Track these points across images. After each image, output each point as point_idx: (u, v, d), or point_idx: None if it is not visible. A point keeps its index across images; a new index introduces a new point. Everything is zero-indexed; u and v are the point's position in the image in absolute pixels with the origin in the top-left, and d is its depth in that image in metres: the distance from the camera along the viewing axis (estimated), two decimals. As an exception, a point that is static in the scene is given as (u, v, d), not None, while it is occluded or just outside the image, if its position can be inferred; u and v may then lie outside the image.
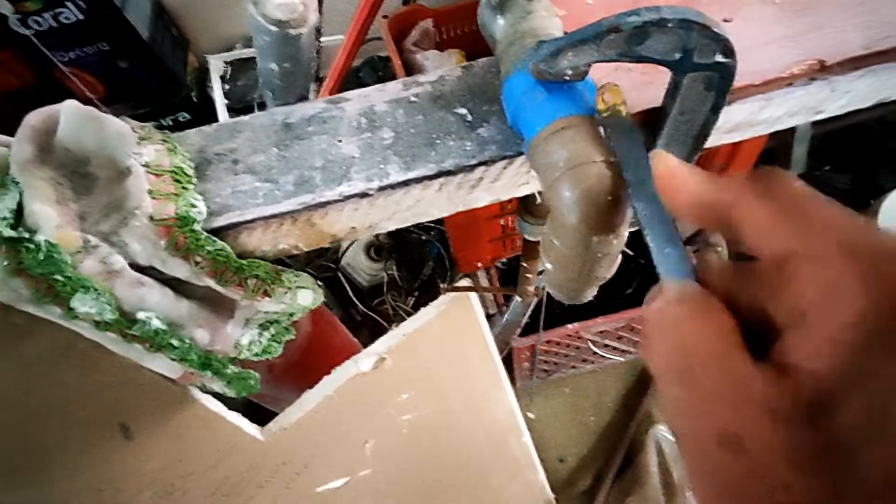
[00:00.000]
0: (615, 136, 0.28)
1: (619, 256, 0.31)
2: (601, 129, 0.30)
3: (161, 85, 1.39)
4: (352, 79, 1.44)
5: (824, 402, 0.16)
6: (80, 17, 1.17)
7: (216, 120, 1.40)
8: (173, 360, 0.35)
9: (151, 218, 0.32)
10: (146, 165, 0.33)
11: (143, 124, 0.35)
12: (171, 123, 1.47)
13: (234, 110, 1.38)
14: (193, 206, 0.33)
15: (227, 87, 1.44)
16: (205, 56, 1.49)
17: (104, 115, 0.33)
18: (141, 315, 0.32)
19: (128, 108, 1.37)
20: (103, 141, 0.33)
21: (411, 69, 1.09)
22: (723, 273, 0.21)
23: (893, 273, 0.16)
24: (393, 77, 1.12)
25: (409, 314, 1.41)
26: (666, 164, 0.23)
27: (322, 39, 0.99)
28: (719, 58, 0.29)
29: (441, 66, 1.06)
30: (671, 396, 0.19)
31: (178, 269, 0.33)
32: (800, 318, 0.17)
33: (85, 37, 1.23)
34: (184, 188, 0.34)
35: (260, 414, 0.63)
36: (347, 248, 1.41)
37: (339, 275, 1.44)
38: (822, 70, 0.34)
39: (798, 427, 0.16)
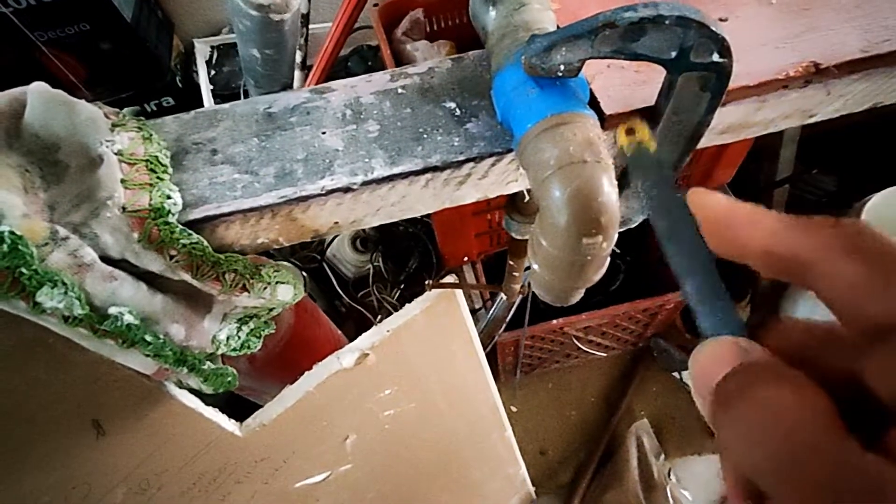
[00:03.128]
0: (642, 177, 0.25)
1: (608, 259, 0.30)
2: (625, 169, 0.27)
3: (145, 68, 1.35)
4: (340, 68, 1.42)
5: None
6: (60, -6, 1.13)
7: (201, 106, 1.37)
8: (147, 356, 0.34)
9: (124, 209, 0.31)
10: (119, 153, 0.32)
11: (116, 110, 0.33)
12: (154, 108, 1.44)
13: (219, 96, 1.35)
14: (168, 197, 0.31)
15: (212, 72, 1.41)
16: (190, 40, 1.46)
17: (75, 99, 0.31)
18: (113, 310, 0.31)
19: (110, 91, 1.33)
20: (74, 127, 0.31)
21: (401, 59, 1.07)
22: (792, 333, 0.18)
23: None
24: (382, 67, 1.11)
25: (395, 307, 1.40)
26: (714, 204, 0.20)
27: (311, 27, 0.97)
28: (716, 58, 0.28)
29: (431, 58, 1.04)
30: (765, 484, 0.15)
31: (152, 262, 0.32)
32: None
33: (65, 16, 1.19)
34: (159, 178, 0.32)
35: (243, 405, 0.62)
36: (333, 239, 1.40)
37: (325, 266, 1.42)
38: (817, 73, 0.33)
39: None
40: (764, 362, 0.17)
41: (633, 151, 0.26)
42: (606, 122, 0.33)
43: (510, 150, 0.33)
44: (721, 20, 0.36)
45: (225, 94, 1.36)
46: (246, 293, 0.37)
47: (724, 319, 0.19)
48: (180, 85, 1.44)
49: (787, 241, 0.18)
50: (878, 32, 0.34)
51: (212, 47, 1.44)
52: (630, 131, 0.27)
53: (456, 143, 0.34)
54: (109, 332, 0.32)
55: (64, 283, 0.29)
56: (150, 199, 0.31)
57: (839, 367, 0.17)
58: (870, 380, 0.16)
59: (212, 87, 1.38)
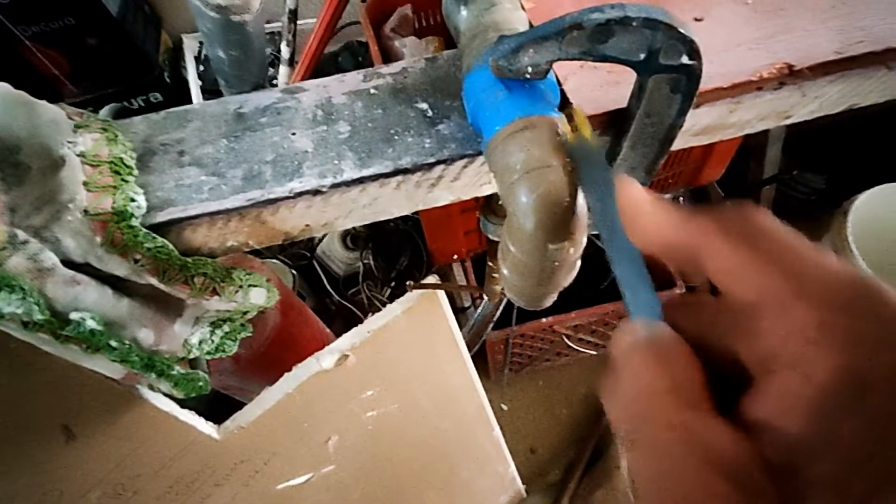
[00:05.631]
0: (581, 165, 0.26)
1: (578, 263, 0.30)
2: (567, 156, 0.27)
3: (131, 64, 1.34)
4: (330, 64, 1.41)
5: (790, 467, 0.15)
6: (45, -12, 1.12)
7: (190, 101, 1.35)
8: (114, 361, 0.34)
9: (86, 212, 0.30)
10: (82, 155, 0.31)
11: (80, 110, 0.33)
12: (142, 104, 1.42)
13: (208, 91, 1.34)
14: (132, 200, 0.31)
15: (201, 67, 1.39)
16: (178, 35, 1.45)
17: (36, 99, 0.31)
18: (74, 315, 0.30)
19: (96, 86, 1.32)
20: (35, 128, 0.30)
21: (389, 56, 1.07)
22: (692, 311, 0.20)
23: (866, 325, 0.15)
24: (371, 63, 1.10)
25: (385, 304, 1.39)
26: (630, 197, 0.22)
27: (300, 22, 0.96)
28: (685, 60, 0.27)
29: (419, 54, 1.03)
30: (628, 454, 0.17)
31: (117, 266, 0.31)
32: (767, 370, 0.17)
33: (50, 11, 1.18)
34: (123, 180, 0.32)
35: (229, 403, 0.62)
36: (323, 237, 1.39)
37: (314, 263, 1.42)
38: (790, 74, 0.33)
39: (761, 497, 0.15)
40: (658, 335, 0.19)
41: (575, 141, 0.27)
42: (578, 124, 0.32)
43: (481, 153, 0.33)
44: (696, 20, 0.36)
45: (214, 89, 1.35)
46: (217, 297, 0.36)
47: (645, 303, 0.21)
48: (168, 80, 1.43)
49: (677, 230, 0.20)
50: (852, 33, 0.34)
51: (200, 42, 1.42)
52: (570, 119, 0.27)
53: (427, 145, 0.33)
54: (72, 338, 0.31)
55: (22, 289, 0.28)
56: (114, 202, 0.31)
57: (723, 340, 0.19)
58: (739, 350, 0.18)
59: (200, 82, 1.36)
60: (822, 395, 0.15)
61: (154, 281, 0.33)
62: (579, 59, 0.27)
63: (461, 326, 0.71)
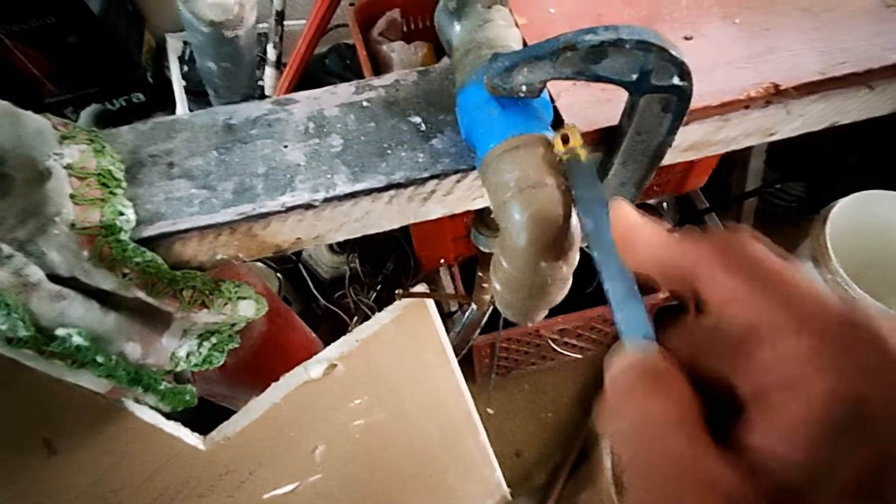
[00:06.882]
0: (574, 181, 0.26)
1: (570, 280, 0.30)
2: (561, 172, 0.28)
3: (113, 63, 1.31)
4: (318, 66, 1.40)
5: (788, 494, 0.15)
6: (24, -13, 1.09)
7: (173, 102, 1.34)
8: (99, 376, 0.33)
9: (73, 226, 0.30)
10: (69, 167, 0.31)
11: (66, 121, 0.32)
12: (124, 104, 1.40)
13: (192, 93, 1.32)
14: (121, 213, 0.30)
15: (185, 68, 1.37)
16: (162, 34, 1.42)
17: (20, 110, 0.30)
18: (60, 331, 0.30)
19: (77, 86, 1.30)
20: (19, 138, 0.30)
21: (377, 60, 1.06)
22: (685, 334, 0.20)
23: (860, 354, 0.16)
24: (360, 67, 1.10)
25: (371, 308, 1.39)
26: (624, 219, 0.22)
27: (287, 23, 0.96)
28: (676, 80, 0.28)
29: (408, 59, 1.03)
30: (626, 477, 0.17)
31: (104, 280, 0.31)
32: (763, 397, 0.17)
33: (30, 9, 1.15)
34: (111, 193, 0.31)
35: (216, 410, 0.61)
36: (308, 240, 1.38)
37: (301, 267, 1.41)
38: (777, 94, 0.34)
39: None
40: (650, 360, 0.19)
41: (568, 157, 0.27)
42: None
43: (475, 168, 0.33)
44: (686, 38, 0.36)
45: (198, 91, 1.33)
46: (205, 309, 0.36)
47: (636, 323, 0.21)
48: (151, 80, 1.41)
49: (672, 253, 0.20)
50: (834, 55, 0.35)
51: (185, 42, 1.40)
52: (565, 138, 0.27)
53: (420, 160, 0.33)
54: (57, 353, 0.30)
55: (7, 304, 0.28)
56: (102, 216, 0.30)
57: (716, 365, 0.19)
58: (731, 376, 0.18)
59: (185, 83, 1.34)
60: (821, 421, 0.15)
61: (142, 295, 0.32)
62: (573, 79, 0.28)
63: (448, 331, 0.71)
